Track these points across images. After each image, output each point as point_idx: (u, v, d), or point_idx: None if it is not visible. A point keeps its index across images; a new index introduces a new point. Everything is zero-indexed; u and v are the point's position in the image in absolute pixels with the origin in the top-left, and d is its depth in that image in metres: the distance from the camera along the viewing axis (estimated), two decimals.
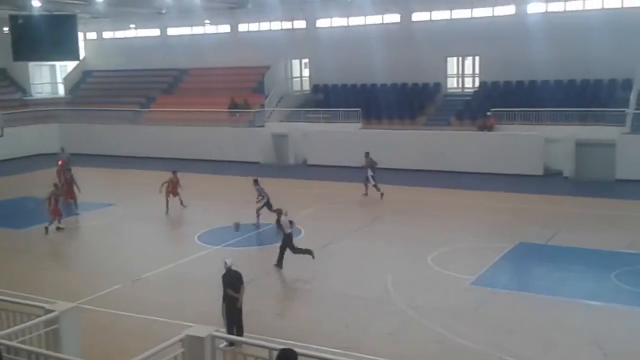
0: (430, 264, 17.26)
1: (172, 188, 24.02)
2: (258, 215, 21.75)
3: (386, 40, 34.45)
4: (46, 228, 21.33)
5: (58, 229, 21.51)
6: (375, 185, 25.47)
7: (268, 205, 21.61)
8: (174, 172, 24.34)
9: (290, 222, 17.45)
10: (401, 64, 34.52)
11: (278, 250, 17.35)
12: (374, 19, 36.65)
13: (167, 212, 23.70)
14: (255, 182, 22.29)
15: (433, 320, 13.57)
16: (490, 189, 26.49)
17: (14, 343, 7.92)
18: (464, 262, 17.45)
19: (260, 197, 21.95)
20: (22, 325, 8.73)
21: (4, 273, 17.37)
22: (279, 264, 17.29)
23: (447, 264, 17.18)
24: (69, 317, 9.04)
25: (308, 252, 17.42)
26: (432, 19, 35.29)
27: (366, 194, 25.84)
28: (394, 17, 36.31)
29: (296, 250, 17.39)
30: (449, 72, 35.81)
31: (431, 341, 12.77)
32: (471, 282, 15.90)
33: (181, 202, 24.34)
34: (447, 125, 32.37)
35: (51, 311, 8.96)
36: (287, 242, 17.31)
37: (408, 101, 34.62)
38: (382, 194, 25.15)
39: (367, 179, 25.75)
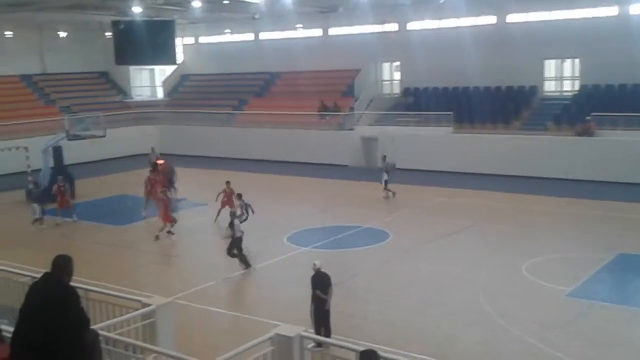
0: (524, 273, 16.69)
1: (227, 199, 22.85)
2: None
3: (480, 42, 33.63)
4: (157, 236, 21.22)
5: (169, 232, 21.53)
6: (385, 188, 26.25)
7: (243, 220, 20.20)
8: (227, 183, 23.29)
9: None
10: (495, 67, 33.61)
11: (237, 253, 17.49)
12: (468, 21, 35.93)
13: (215, 220, 22.94)
14: (239, 196, 21.63)
15: (525, 331, 13.10)
16: (590, 197, 25.30)
17: (112, 334, 8.23)
18: (560, 273, 16.77)
19: (241, 213, 20.87)
20: (120, 318, 9.07)
21: (104, 267, 18.18)
22: (244, 262, 17.53)
23: (542, 274, 16.56)
24: (164, 311, 9.32)
25: (246, 263, 17.50)
26: (529, 20, 34.21)
27: (386, 197, 26.36)
28: (488, 19, 35.45)
29: (235, 255, 17.46)
30: (547, 74, 34.58)
31: (523, 352, 12.33)
32: (567, 293, 15.26)
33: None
34: (543, 130, 31.25)
35: (148, 305, 9.27)
36: (236, 244, 17.46)
37: (502, 105, 33.70)
38: (393, 193, 26.28)
39: (385, 182, 26.40)
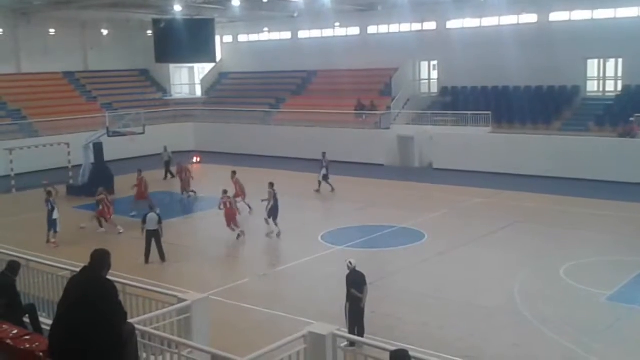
0: (562, 276, 16.40)
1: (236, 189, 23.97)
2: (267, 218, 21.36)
3: (521, 41, 33.11)
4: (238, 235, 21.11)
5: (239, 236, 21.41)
6: (327, 182, 27.63)
7: (275, 208, 21.20)
8: (234, 173, 24.60)
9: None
10: (536, 66, 33.07)
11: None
12: (509, 20, 35.44)
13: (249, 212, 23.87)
14: (271, 185, 21.81)
15: (563, 335, 12.88)
16: (631, 200, 24.72)
17: (148, 329, 8.34)
18: (599, 276, 16.43)
19: (269, 199, 21.42)
20: (156, 312, 9.19)
21: (141, 262, 18.46)
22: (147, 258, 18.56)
23: (581, 277, 16.25)
24: (200, 307, 9.40)
25: (162, 255, 18.62)
26: (572, 19, 33.58)
27: (318, 191, 27.85)
28: (530, 17, 34.91)
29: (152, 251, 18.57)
30: (589, 74, 33.90)
31: (559, 356, 12.13)
32: (607, 297, 14.95)
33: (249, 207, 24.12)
34: (585, 131, 30.65)
35: (184, 300, 9.37)
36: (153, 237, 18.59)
37: (543, 105, 33.16)
38: (332, 188, 27.72)
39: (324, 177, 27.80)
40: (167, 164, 31.95)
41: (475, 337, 13.08)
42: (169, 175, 31.87)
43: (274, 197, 21.37)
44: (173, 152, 33.34)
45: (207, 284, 15.91)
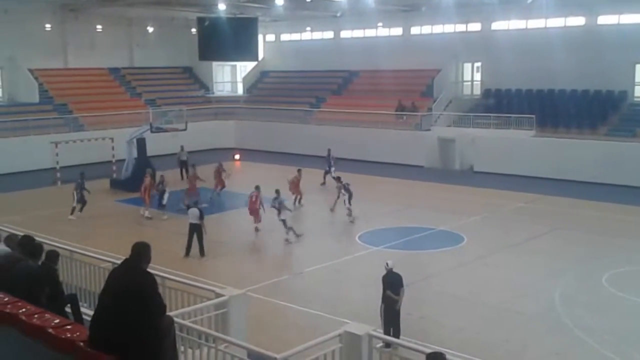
0: (604, 284, 16.03)
1: (294, 185, 25.24)
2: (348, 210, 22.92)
3: (568, 44, 32.45)
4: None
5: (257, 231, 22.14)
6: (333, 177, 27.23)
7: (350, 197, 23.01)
8: (299, 171, 25.69)
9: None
10: (583, 70, 32.37)
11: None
12: (556, 22, 34.79)
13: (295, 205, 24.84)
14: (338, 179, 24.03)
15: (604, 344, 12.58)
16: None
17: (186, 322, 8.43)
18: None
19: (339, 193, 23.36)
20: (194, 307, 9.29)
21: (181, 256, 18.69)
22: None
23: (624, 286, 15.86)
24: (237, 302, 9.47)
25: (201, 250, 19.02)
26: (621, 22, 32.78)
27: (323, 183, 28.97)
28: (577, 20, 34.21)
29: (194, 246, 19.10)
30: (637, 79, 33.01)
31: None
32: None
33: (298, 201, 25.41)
34: (632, 137, 29.88)
35: (221, 295, 9.45)
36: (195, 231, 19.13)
37: (589, 109, 32.44)
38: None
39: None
40: (184, 164, 31.29)
41: (513, 344, 12.88)
42: (183, 175, 30.78)
43: (345, 188, 23.13)
44: (214, 150, 33.59)
45: (244, 280, 16.02)
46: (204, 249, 18.96)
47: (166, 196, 24.33)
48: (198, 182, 25.82)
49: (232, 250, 20.35)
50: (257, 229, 21.62)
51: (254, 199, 21.52)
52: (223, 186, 27.17)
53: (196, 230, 18.98)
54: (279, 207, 20.76)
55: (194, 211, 19.12)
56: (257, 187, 21.80)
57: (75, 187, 23.97)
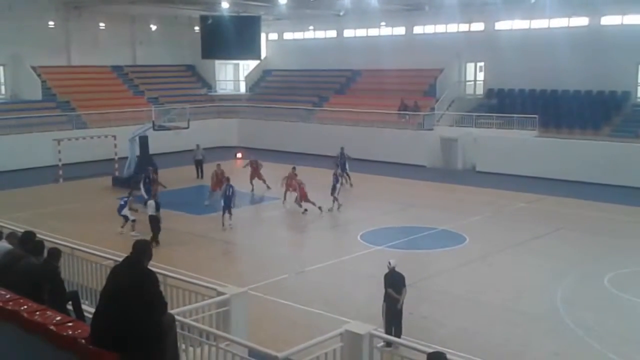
0: (606, 285, 16.01)
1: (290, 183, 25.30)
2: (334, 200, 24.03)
3: (571, 45, 32.38)
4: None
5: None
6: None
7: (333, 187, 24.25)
8: (293, 169, 25.62)
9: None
10: (586, 70, 32.32)
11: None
12: (559, 22, 34.74)
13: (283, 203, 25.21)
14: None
15: (606, 345, 12.56)
16: None
17: (187, 320, 8.43)
18: None
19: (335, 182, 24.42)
20: (196, 305, 9.29)
21: (182, 255, 18.71)
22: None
23: (626, 287, 15.84)
24: (238, 301, 9.47)
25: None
26: (625, 22, 32.73)
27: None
28: (581, 20, 34.16)
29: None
30: None
31: None
32: None
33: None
34: (634, 138, 29.83)
35: (223, 294, 9.44)
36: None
37: (592, 110, 32.38)
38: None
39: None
40: (199, 163, 31.23)
41: (515, 344, 12.87)
42: (200, 174, 30.95)
43: (335, 176, 24.77)
44: (217, 148, 33.58)
45: (246, 278, 16.02)
46: (158, 239, 19.45)
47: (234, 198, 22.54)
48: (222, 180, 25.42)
49: (234, 249, 20.35)
50: (305, 210, 23.55)
51: (294, 182, 23.82)
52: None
53: (153, 221, 19.78)
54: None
55: (152, 203, 20.05)
56: (294, 168, 24.77)
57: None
